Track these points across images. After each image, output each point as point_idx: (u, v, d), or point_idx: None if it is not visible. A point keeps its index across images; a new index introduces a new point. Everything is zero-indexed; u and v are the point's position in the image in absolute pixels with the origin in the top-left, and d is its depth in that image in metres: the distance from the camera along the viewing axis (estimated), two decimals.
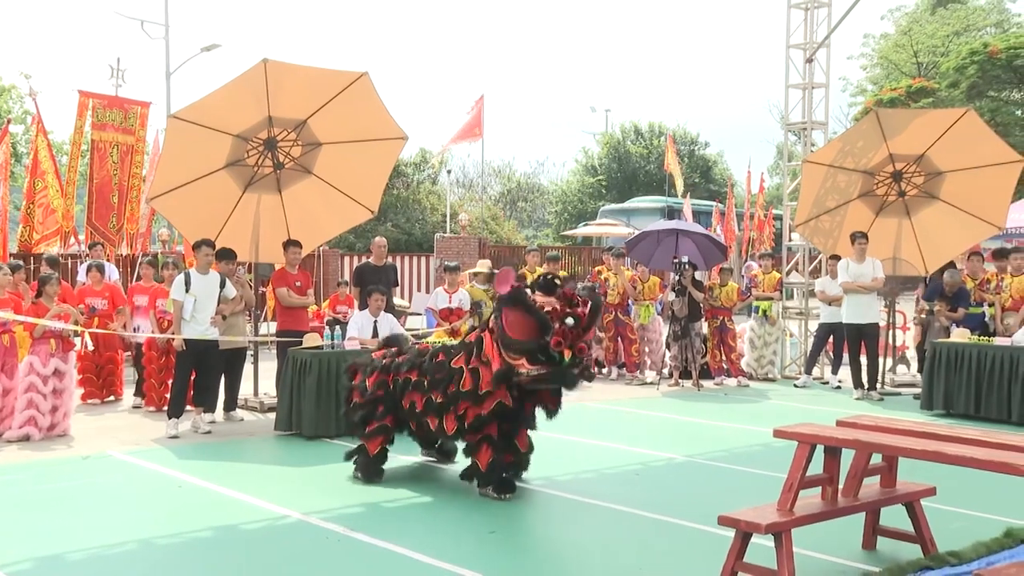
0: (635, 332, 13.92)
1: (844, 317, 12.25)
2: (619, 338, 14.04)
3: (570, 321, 6.60)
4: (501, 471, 7.11)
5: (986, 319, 12.07)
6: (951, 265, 12.66)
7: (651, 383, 13.43)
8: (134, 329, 11.36)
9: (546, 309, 6.64)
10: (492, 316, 6.93)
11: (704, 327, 13.78)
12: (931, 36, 44.44)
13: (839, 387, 13.09)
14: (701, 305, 13.42)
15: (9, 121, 17.59)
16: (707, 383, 13.36)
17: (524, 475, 7.54)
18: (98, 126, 15.46)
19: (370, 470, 7.59)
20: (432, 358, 7.36)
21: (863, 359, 12.29)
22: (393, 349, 7.89)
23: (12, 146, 23.28)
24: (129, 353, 11.95)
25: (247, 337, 10.55)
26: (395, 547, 5.78)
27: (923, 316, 12.73)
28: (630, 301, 13.94)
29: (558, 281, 6.88)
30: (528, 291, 6.82)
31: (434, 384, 7.18)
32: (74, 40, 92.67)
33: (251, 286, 11.00)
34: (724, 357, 13.63)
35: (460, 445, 7.67)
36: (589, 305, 6.81)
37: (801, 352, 14.73)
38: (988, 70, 34.73)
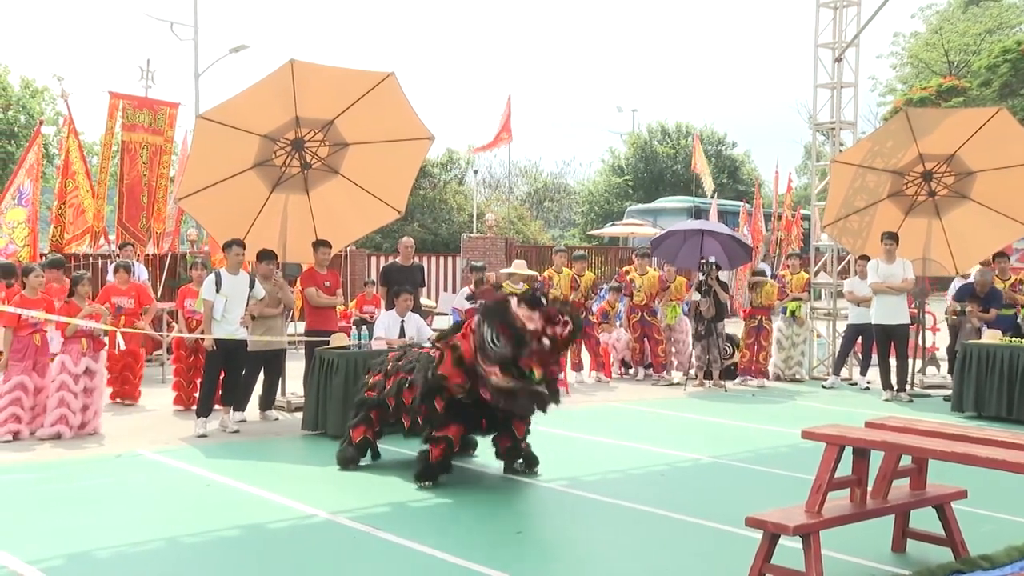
0: (661, 332, 13.88)
1: (873, 318, 12.15)
2: (645, 338, 14.00)
3: (546, 342, 6.71)
4: (443, 470, 7.31)
5: (1019, 320, 11.93)
6: (1001, 256, 12.43)
7: (677, 383, 13.38)
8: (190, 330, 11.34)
9: (529, 326, 6.71)
10: (475, 319, 7.01)
11: (731, 327, 13.73)
12: (963, 34, 43.96)
13: (867, 388, 12.99)
14: (726, 305, 13.36)
15: (41, 122, 17.75)
16: (729, 383, 13.29)
17: (541, 474, 7.55)
18: (128, 127, 15.61)
19: (345, 456, 7.94)
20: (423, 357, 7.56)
21: (892, 360, 12.18)
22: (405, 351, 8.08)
23: (44, 147, 23.55)
24: (159, 352, 12.02)
25: (276, 337, 10.59)
26: (422, 547, 5.79)
27: (954, 317, 12.60)
28: (656, 302, 13.91)
29: (544, 299, 6.98)
30: (512, 303, 6.89)
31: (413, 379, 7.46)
32: (105, 42, 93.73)
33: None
34: (753, 357, 13.53)
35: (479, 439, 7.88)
36: (569, 326, 6.88)
37: (829, 353, 14.62)
38: (1021, 68, 34.30)
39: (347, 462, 7.94)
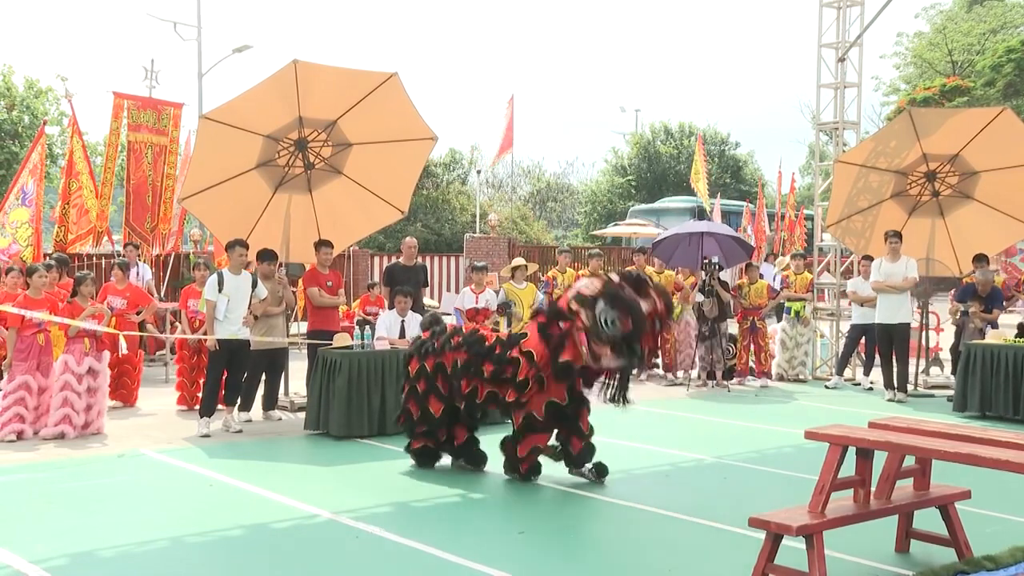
0: (670, 331, 13.89)
1: (876, 317, 12.13)
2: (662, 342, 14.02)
3: (659, 324, 7.14)
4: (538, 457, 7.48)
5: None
6: (980, 259, 12.40)
7: (680, 383, 13.38)
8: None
9: (645, 307, 7.01)
10: (579, 303, 7.08)
11: (732, 327, 13.74)
12: (966, 34, 43.86)
13: (871, 388, 12.98)
14: (729, 305, 13.36)
15: (45, 123, 17.80)
16: (731, 383, 13.28)
17: (553, 477, 7.53)
18: (133, 127, 15.65)
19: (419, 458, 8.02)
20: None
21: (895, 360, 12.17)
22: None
23: (48, 147, 23.60)
24: (162, 352, 11.96)
25: (279, 338, 10.59)
26: (424, 547, 5.79)
27: (957, 317, 12.58)
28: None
29: (646, 280, 7.24)
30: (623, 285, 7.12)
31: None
32: (109, 42, 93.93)
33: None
34: (753, 358, 13.55)
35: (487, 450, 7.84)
36: (666, 306, 7.24)
37: (832, 353, 14.61)
38: None
39: (419, 465, 8.00)
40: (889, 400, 11.97)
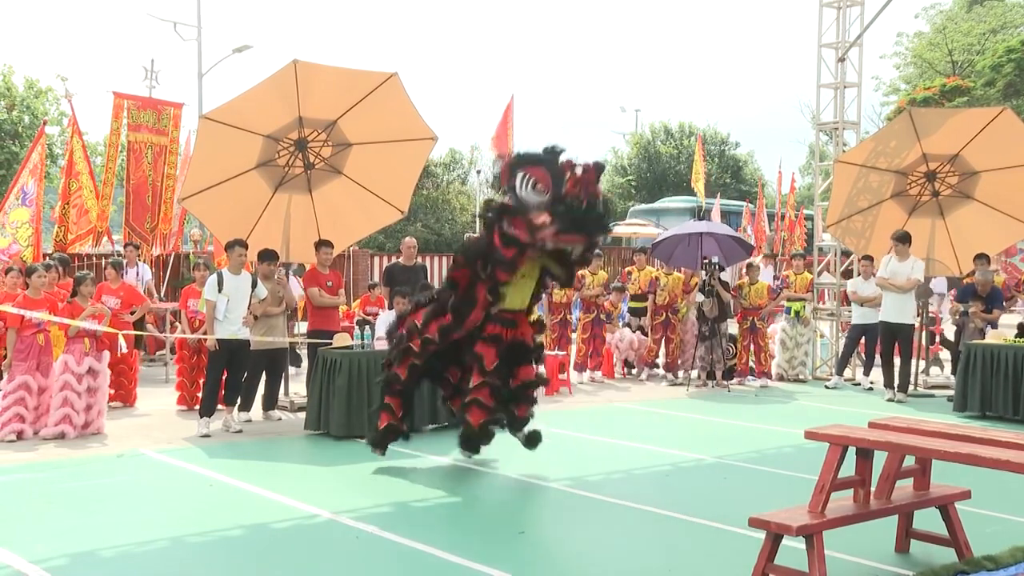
0: (676, 331, 13.91)
1: (881, 315, 12.13)
2: (665, 340, 14.04)
3: (579, 169, 6.89)
4: (488, 432, 7.54)
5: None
6: (981, 257, 12.41)
7: (680, 383, 13.38)
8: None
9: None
10: (505, 187, 7.18)
11: (732, 328, 13.74)
12: (966, 34, 43.84)
13: (871, 388, 12.97)
14: (730, 305, 13.36)
15: (45, 123, 17.79)
16: (731, 383, 13.28)
17: (553, 477, 7.54)
18: (133, 127, 15.65)
19: (374, 440, 8.09)
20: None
21: (896, 360, 12.16)
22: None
23: (48, 147, 23.59)
24: (162, 352, 11.94)
25: (279, 338, 10.59)
26: (424, 546, 5.79)
27: (957, 317, 12.58)
28: (680, 302, 13.92)
29: (560, 147, 7.16)
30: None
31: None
32: (109, 42, 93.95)
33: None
34: (753, 358, 13.55)
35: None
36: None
37: (832, 353, 14.61)
38: None
39: (375, 444, 8.06)
40: (888, 400, 11.97)
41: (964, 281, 12.94)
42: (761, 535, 5.04)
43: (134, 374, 11.37)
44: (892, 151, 12.72)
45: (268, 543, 5.97)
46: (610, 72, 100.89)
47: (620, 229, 33.65)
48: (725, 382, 13.15)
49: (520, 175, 6.99)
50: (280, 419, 10.38)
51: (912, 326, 12.17)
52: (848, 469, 5.22)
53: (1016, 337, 11.05)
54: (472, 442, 7.54)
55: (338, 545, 5.92)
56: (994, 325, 12.05)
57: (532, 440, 7.82)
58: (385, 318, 10.32)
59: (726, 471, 8.06)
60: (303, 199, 10.99)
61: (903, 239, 12.01)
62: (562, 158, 6.99)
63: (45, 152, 15.47)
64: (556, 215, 6.80)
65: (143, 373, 12.63)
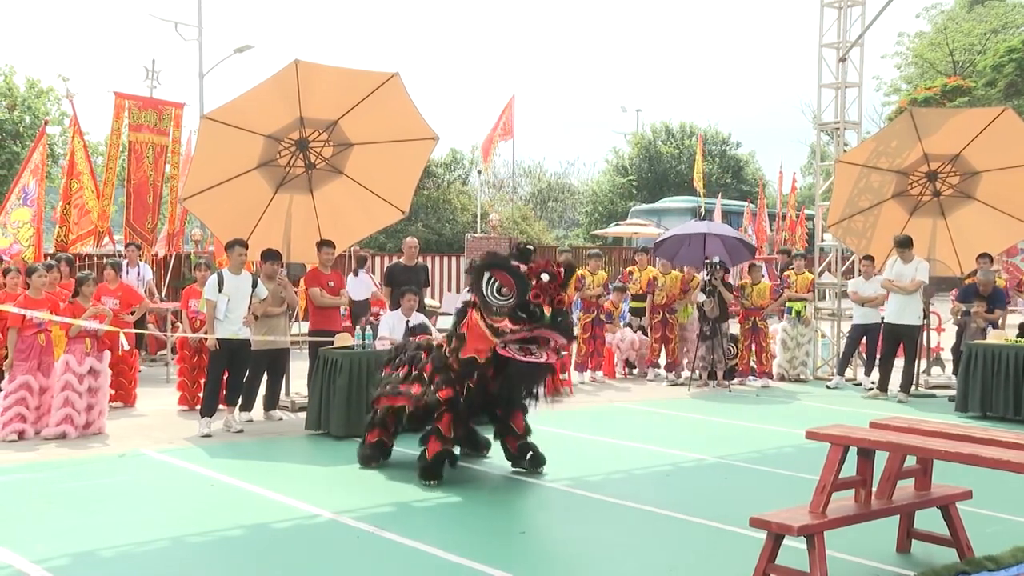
0: (674, 331, 13.89)
1: (885, 316, 12.13)
2: (664, 340, 14.02)
3: (545, 276, 6.84)
4: (443, 464, 7.42)
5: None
6: (984, 257, 12.39)
7: (681, 383, 13.38)
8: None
9: (522, 268, 6.93)
10: (472, 285, 7.20)
11: (733, 328, 13.74)
12: (967, 34, 43.86)
13: (872, 389, 12.96)
14: (731, 305, 13.35)
15: (47, 123, 17.81)
16: (732, 383, 13.28)
17: (547, 474, 7.53)
18: (134, 127, 15.65)
19: (365, 455, 8.06)
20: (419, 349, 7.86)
21: (898, 361, 12.16)
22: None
23: (49, 147, 23.59)
24: (163, 352, 11.92)
25: (280, 337, 10.58)
26: (425, 546, 5.79)
27: (959, 317, 12.58)
28: (677, 303, 13.92)
29: (531, 248, 7.21)
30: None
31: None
32: (110, 42, 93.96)
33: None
34: (755, 358, 13.54)
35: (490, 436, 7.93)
36: (561, 267, 7.07)
37: (833, 353, 14.60)
38: None
39: (368, 462, 8.03)
40: (867, 389, 12.08)
41: (965, 281, 12.93)
42: (762, 535, 5.04)
43: (134, 374, 11.35)
44: (893, 151, 12.71)
45: (269, 543, 5.97)
46: (611, 72, 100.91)
47: (621, 229, 33.69)
48: (726, 382, 13.15)
49: (487, 276, 7.00)
50: (281, 419, 10.38)
51: (917, 327, 12.16)
52: (849, 469, 5.22)
53: (1017, 337, 11.05)
54: (427, 473, 7.40)
55: (339, 545, 5.92)
56: (995, 325, 12.04)
57: (536, 463, 7.74)
58: (388, 318, 10.31)
59: (727, 471, 8.06)
60: (304, 199, 10.99)
61: (904, 244, 12.01)
62: (531, 261, 6.98)
63: (46, 152, 15.48)
64: (516, 320, 6.80)
65: (144, 373, 12.64)
